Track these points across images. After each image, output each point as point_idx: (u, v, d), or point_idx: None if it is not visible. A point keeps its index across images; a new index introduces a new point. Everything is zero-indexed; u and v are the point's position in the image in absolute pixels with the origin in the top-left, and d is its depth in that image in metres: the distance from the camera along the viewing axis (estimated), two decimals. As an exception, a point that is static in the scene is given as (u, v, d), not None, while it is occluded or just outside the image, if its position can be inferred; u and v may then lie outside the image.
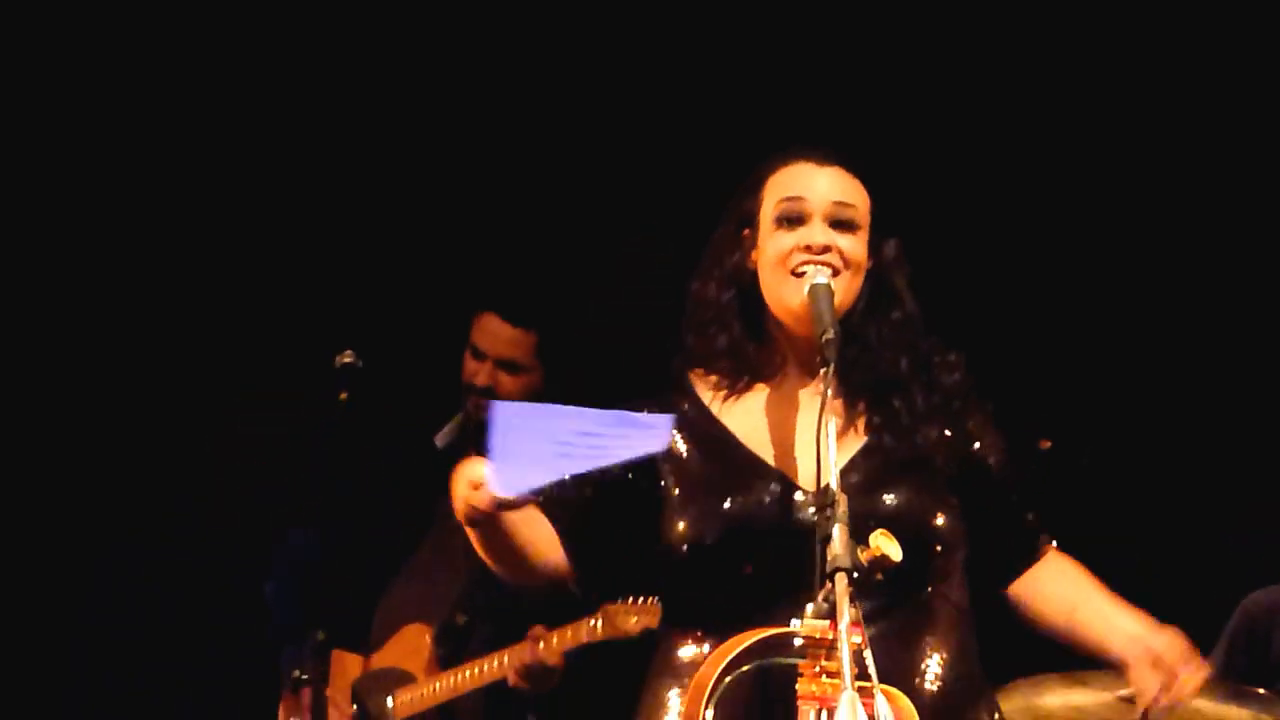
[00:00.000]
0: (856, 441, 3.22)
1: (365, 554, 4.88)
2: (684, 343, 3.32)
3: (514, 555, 3.19)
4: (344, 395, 4.68)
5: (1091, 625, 3.29)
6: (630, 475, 3.21)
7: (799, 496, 3.15)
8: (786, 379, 3.26)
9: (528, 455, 2.98)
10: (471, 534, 3.14)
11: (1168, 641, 3.22)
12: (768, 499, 3.17)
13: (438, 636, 4.81)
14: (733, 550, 3.15)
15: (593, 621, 4.46)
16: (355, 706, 4.76)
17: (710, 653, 3.07)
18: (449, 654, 4.79)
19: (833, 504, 2.92)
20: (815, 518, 2.94)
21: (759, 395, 3.26)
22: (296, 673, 4.66)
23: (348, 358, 4.70)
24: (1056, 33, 5.63)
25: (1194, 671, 3.21)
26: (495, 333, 4.95)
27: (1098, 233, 5.68)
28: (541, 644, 4.57)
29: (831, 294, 3.13)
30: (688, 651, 3.19)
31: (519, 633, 4.63)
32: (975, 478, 3.28)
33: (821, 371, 3.08)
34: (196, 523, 5.59)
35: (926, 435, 3.24)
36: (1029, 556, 3.34)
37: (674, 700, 3.17)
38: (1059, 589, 3.32)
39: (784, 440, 3.22)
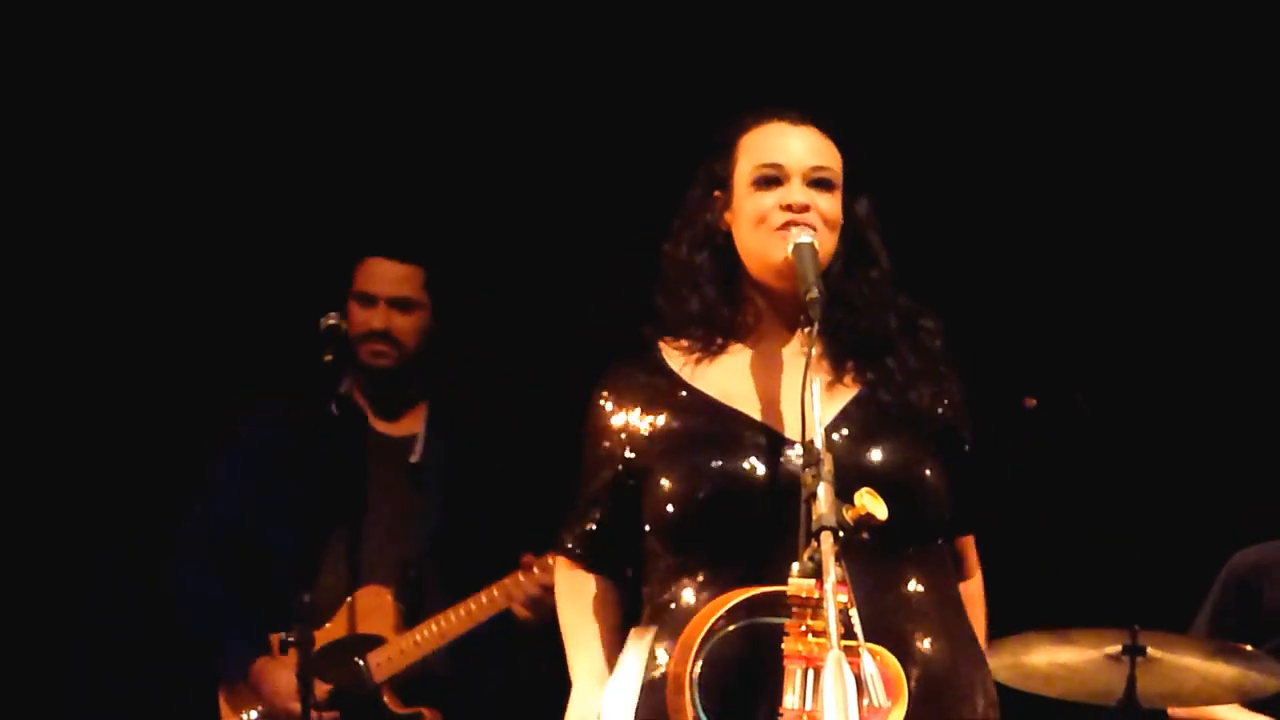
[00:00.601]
0: (847, 394, 3.19)
1: (287, 532, 4.86)
2: (655, 306, 3.28)
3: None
4: (329, 357, 4.61)
5: None
6: (630, 481, 3.20)
7: (789, 451, 3.11)
8: (764, 338, 3.22)
9: None
10: None
11: None
12: (757, 454, 3.13)
13: (399, 594, 4.77)
14: (722, 507, 3.11)
15: None
16: (320, 680, 4.68)
17: (697, 611, 3.01)
18: (411, 608, 4.77)
19: (818, 462, 2.87)
20: (804, 478, 2.90)
21: (736, 356, 3.23)
22: (284, 635, 4.57)
23: (332, 320, 4.65)
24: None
25: None
26: (383, 273, 4.88)
27: (1070, 193, 5.65)
28: (538, 569, 4.61)
29: (815, 252, 3.09)
30: (673, 609, 3.14)
31: (470, 575, 4.70)
32: (950, 452, 3.23)
33: (804, 330, 3.07)
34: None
35: (920, 394, 3.21)
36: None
37: (660, 657, 3.13)
38: None
39: (768, 397, 3.18)
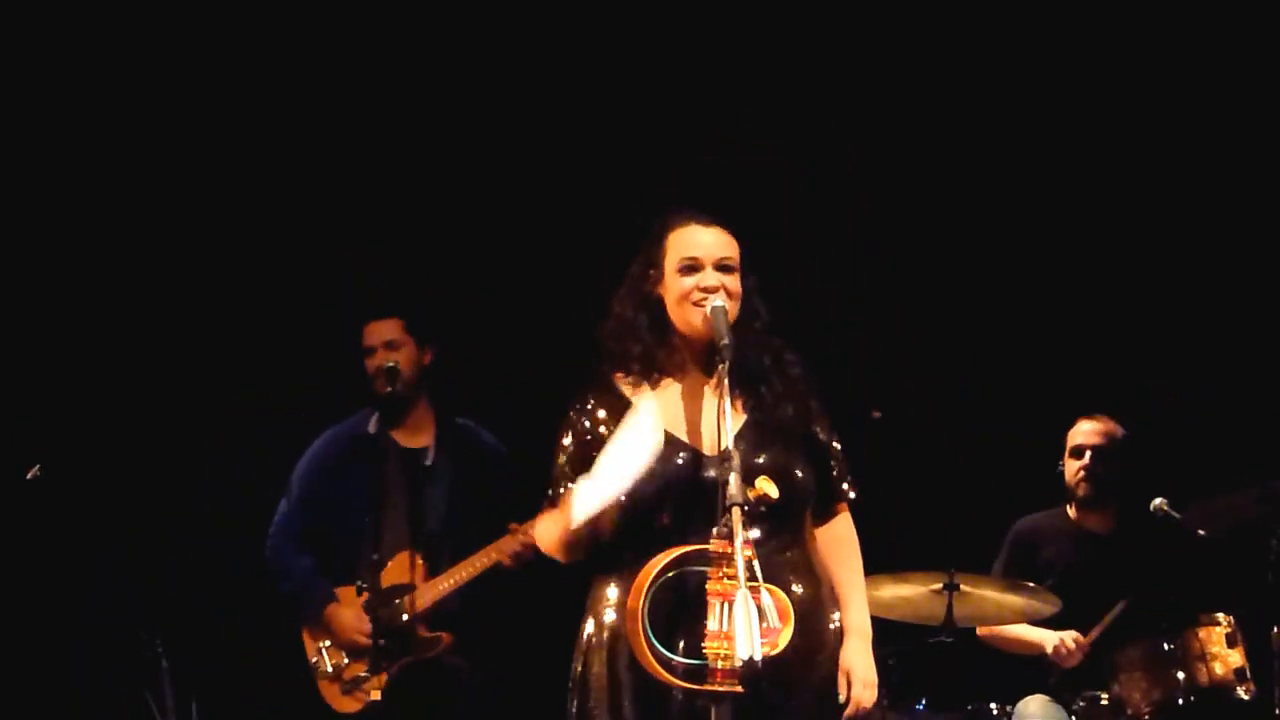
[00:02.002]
0: (740, 419, 3.42)
1: (343, 518, 5.13)
2: (605, 348, 3.49)
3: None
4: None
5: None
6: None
7: (705, 458, 3.36)
8: (687, 376, 3.47)
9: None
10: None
11: (860, 676, 3.43)
12: (681, 463, 3.37)
13: (424, 556, 5.06)
14: (661, 497, 3.34)
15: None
16: (370, 617, 4.99)
17: (643, 564, 3.26)
18: (432, 565, 5.07)
19: (729, 459, 3.19)
20: (717, 474, 3.19)
21: (667, 388, 3.47)
22: (359, 584, 4.97)
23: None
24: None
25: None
26: (376, 330, 5.24)
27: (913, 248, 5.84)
28: (520, 534, 4.95)
29: (726, 313, 3.40)
30: (623, 563, 3.37)
31: (468, 541, 5.03)
32: (812, 449, 3.49)
33: (719, 368, 3.32)
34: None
35: (785, 412, 3.47)
36: (824, 516, 3.54)
37: (614, 594, 3.37)
38: (826, 558, 3.51)
39: (691, 418, 3.43)
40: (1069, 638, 5.04)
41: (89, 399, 5.76)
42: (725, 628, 3.09)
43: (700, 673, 3.15)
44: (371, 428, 5.23)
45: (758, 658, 3.06)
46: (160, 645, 5.06)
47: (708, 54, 5.72)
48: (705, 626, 3.12)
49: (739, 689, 3.13)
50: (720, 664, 3.12)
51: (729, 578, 3.10)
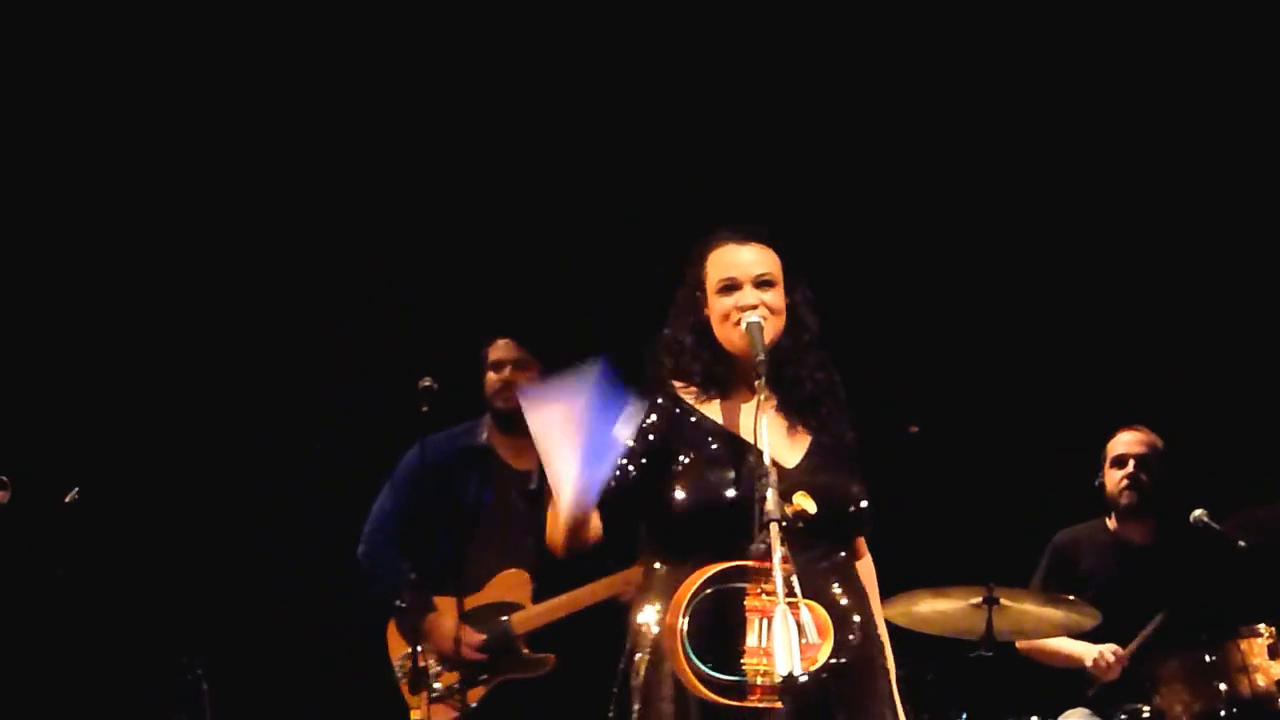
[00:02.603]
0: (803, 441, 3.41)
1: (440, 526, 5.11)
2: (664, 362, 3.45)
3: (585, 534, 3.27)
4: (425, 409, 4.95)
5: None
6: (657, 456, 3.36)
7: (758, 471, 3.25)
8: (738, 391, 3.43)
9: (582, 463, 3.11)
10: (570, 527, 3.22)
11: None
12: (739, 474, 3.30)
13: (534, 576, 5.06)
14: (715, 511, 3.29)
15: None
16: (475, 632, 4.98)
17: (684, 579, 3.20)
18: (542, 587, 5.07)
19: (766, 475, 3.13)
20: (758, 488, 3.14)
21: (718, 402, 3.42)
22: (399, 603, 4.93)
23: (426, 382, 4.99)
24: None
25: None
26: (505, 347, 5.25)
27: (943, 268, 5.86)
28: None
29: (763, 328, 3.34)
30: (667, 577, 3.31)
31: (571, 567, 4.84)
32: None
33: (757, 384, 3.28)
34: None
35: (843, 435, 3.45)
36: (857, 551, 3.48)
37: (653, 612, 3.31)
38: None
39: (740, 432, 3.37)
40: (1108, 650, 5.01)
41: (127, 420, 5.73)
42: (765, 644, 3.05)
43: (740, 689, 3.09)
44: (483, 439, 5.21)
45: (798, 673, 3.02)
46: (201, 670, 5.03)
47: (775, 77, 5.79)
48: (744, 643, 3.08)
49: (778, 705, 3.08)
50: (760, 680, 3.07)
51: (767, 594, 3.05)
